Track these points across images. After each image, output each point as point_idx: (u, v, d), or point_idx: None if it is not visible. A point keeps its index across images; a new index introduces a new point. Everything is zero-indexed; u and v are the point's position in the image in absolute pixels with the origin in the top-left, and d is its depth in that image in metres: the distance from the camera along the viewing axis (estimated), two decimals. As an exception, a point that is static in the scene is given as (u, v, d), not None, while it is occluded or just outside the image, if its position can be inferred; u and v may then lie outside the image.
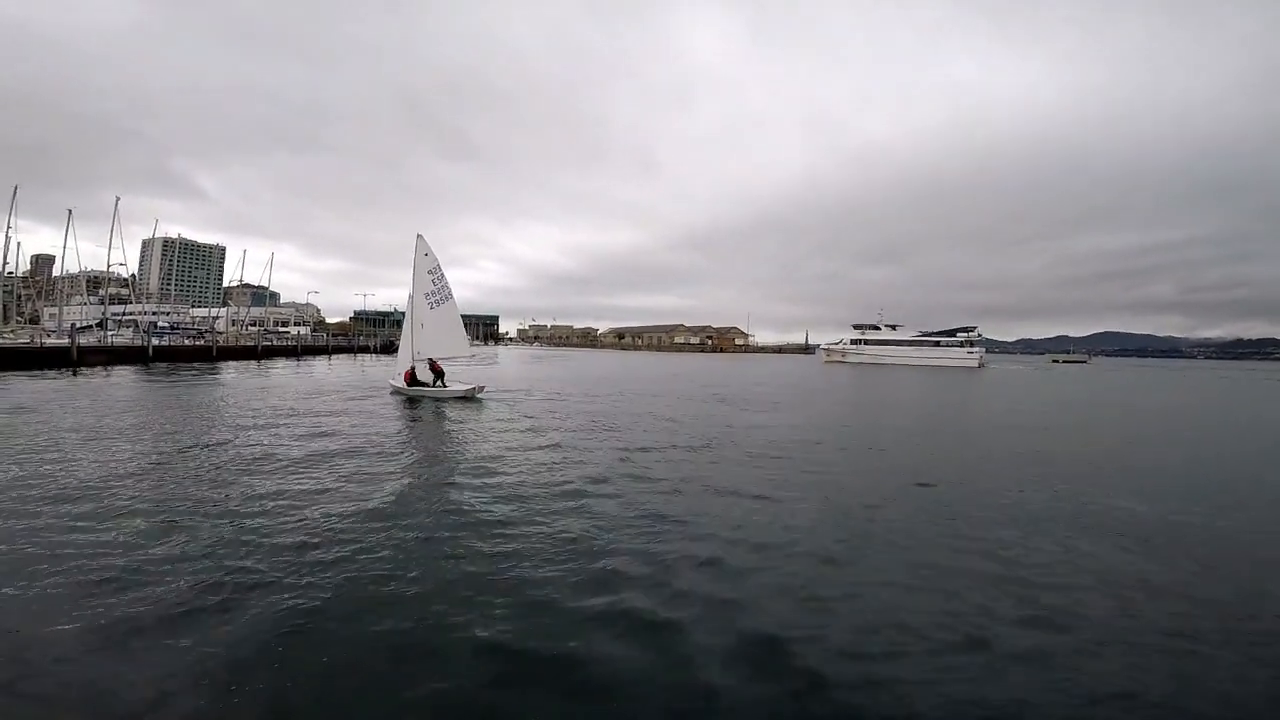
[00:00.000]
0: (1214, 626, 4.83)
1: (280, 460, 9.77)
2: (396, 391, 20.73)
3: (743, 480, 9.32)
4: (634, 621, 4.57)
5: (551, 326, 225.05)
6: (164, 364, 36.78)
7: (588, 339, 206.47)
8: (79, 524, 6.38)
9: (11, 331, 45.02)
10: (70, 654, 3.97)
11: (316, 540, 6.08)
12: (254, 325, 78.91)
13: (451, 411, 16.87)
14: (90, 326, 51.45)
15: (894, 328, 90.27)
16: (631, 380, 34.09)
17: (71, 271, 64.87)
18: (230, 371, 32.98)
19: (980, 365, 77.53)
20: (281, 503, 7.37)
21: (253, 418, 14.64)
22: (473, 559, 5.74)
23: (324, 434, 12.48)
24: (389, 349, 61.07)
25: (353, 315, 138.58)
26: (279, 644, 4.11)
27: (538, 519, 7.03)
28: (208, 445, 11.00)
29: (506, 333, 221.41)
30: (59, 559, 5.42)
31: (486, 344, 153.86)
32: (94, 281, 72.27)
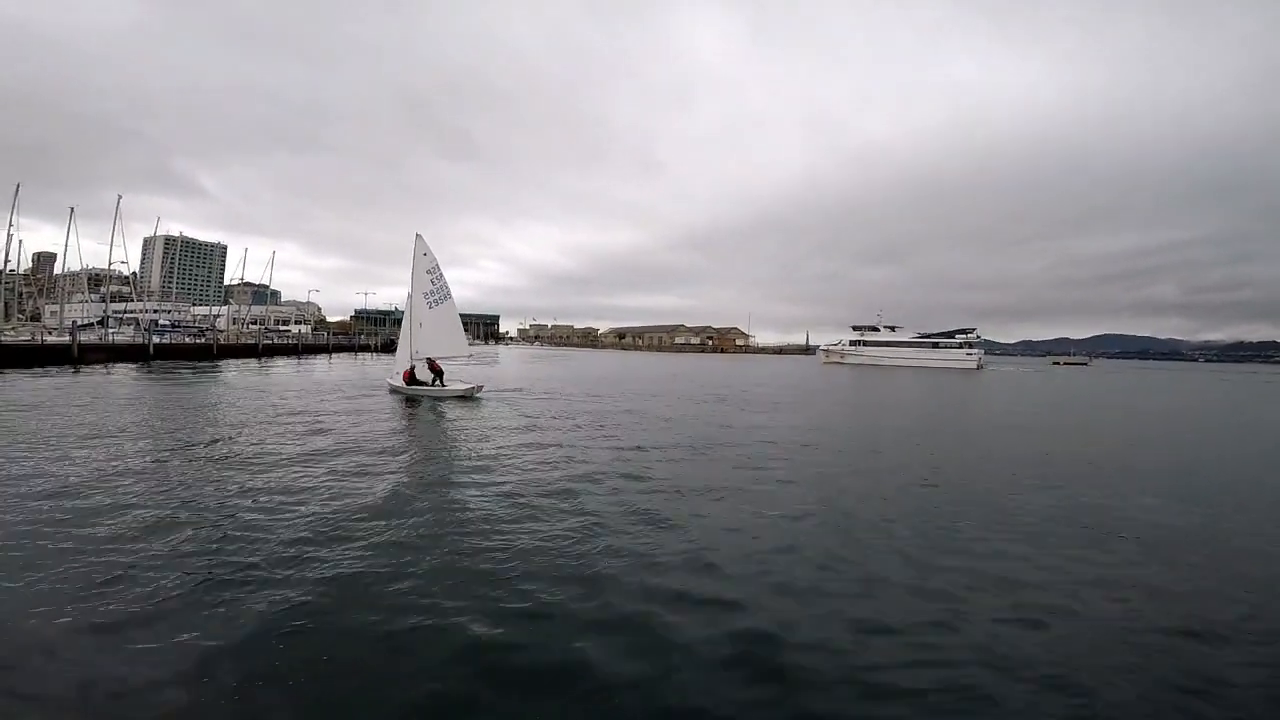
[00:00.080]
0: (1216, 627, 4.82)
1: (279, 458, 9.77)
2: (395, 390, 20.73)
3: (742, 482, 9.31)
4: (631, 623, 4.56)
5: (552, 326, 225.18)
6: (165, 362, 36.82)
7: (588, 339, 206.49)
8: (76, 520, 6.39)
9: (13, 329, 45.06)
10: (64, 650, 3.98)
11: (313, 538, 6.08)
12: (255, 324, 79.00)
13: (450, 411, 16.87)
14: (91, 324, 51.50)
15: (893, 329, 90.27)
16: (631, 380, 34.08)
17: (73, 269, 65.01)
18: (231, 370, 33.00)
19: (979, 367, 77.48)
20: (279, 500, 7.37)
21: (252, 416, 14.65)
22: (470, 558, 5.73)
23: (323, 432, 12.48)
24: (390, 348, 61.10)
25: (354, 314, 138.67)
26: (274, 641, 4.11)
27: (534, 518, 7.02)
28: (207, 443, 11.01)
29: (507, 332, 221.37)
30: (56, 554, 5.42)
31: (487, 343, 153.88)
32: (95, 279, 72.26)
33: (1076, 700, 3.78)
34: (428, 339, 20.85)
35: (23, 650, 3.97)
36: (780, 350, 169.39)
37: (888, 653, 4.26)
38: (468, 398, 19.55)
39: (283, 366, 38.65)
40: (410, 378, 20.38)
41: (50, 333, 42.98)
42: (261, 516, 6.76)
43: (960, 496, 8.81)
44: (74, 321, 49.00)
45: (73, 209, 50.56)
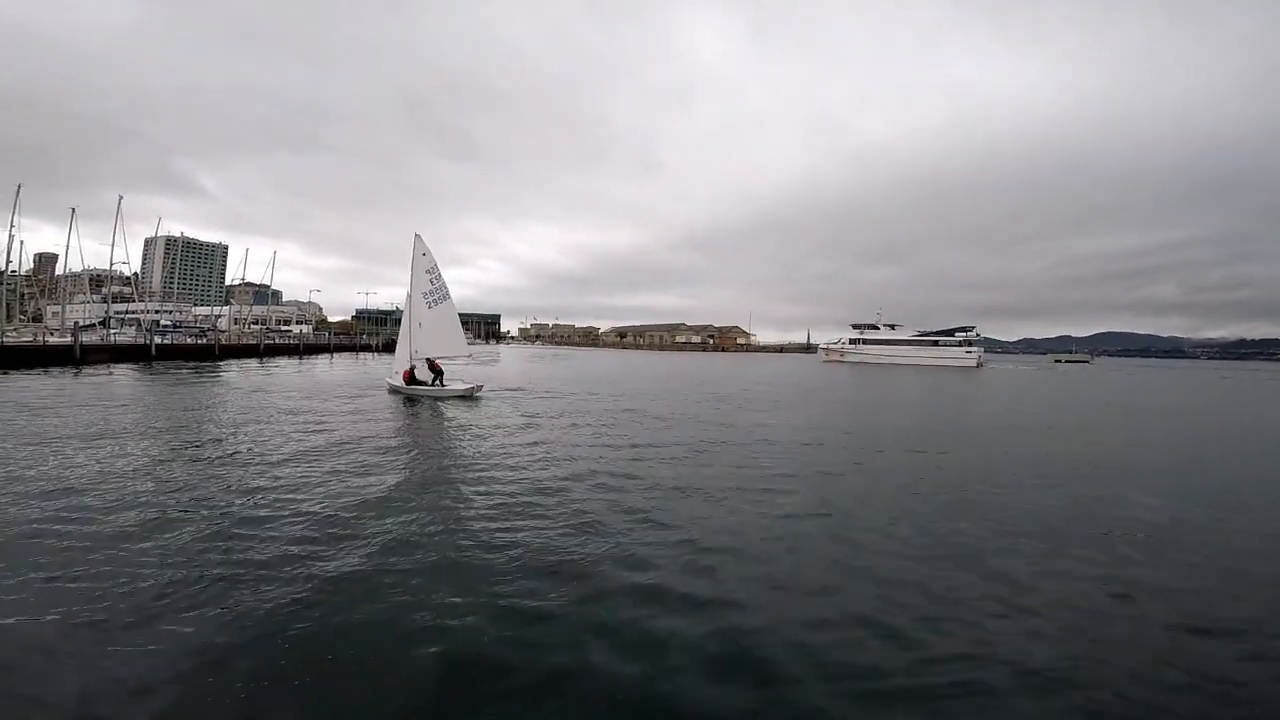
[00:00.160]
0: (1220, 625, 4.82)
1: (280, 457, 9.79)
2: (394, 390, 20.76)
3: (742, 481, 9.31)
4: (631, 625, 4.55)
5: (553, 326, 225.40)
6: (166, 363, 36.88)
7: (589, 338, 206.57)
8: (77, 519, 6.40)
9: (15, 330, 45.15)
10: (64, 649, 3.99)
11: (314, 537, 6.09)
12: (256, 324, 79.18)
13: (450, 410, 16.89)
14: (93, 325, 51.58)
15: (893, 327, 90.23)
16: (632, 379, 34.08)
17: (74, 270, 65.19)
18: (232, 370, 33.05)
19: (979, 365, 77.41)
20: (280, 499, 7.38)
21: (254, 416, 14.68)
22: (470, 558, 5.74)
23: (323, 431, 12.50)
24: (391, 348, 61.31)
25: (355, 314, 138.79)
26: (274, 641, 4.11)
27: (534, 518, 7.03)
28: (208, 442, 11.03)
29: (508, 332, 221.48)
30: (56, 554, 5.44)
31: (488, 343, 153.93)
32: (97, 280, 72.41)
33: (1079, 700, 3.78)
34: (427, 339, 20.87)
35: (23, 650, 3.98)
36: (781, 349, 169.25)
37: (890, 654, 4.25)
38: (468, 397, 19.56)
39: (284, 367, 38.69)
40: (410, 377, 20.40)
41: (52, 333, 43.11)
42: (262, 515, 6.77)
43: (961, 496, 8.80)
44: (76, 322, 49.08)
45: (74, 209, 50.58)
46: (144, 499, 7.33)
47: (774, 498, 8.33)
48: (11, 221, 46.33)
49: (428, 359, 20.69)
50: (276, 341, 62.15)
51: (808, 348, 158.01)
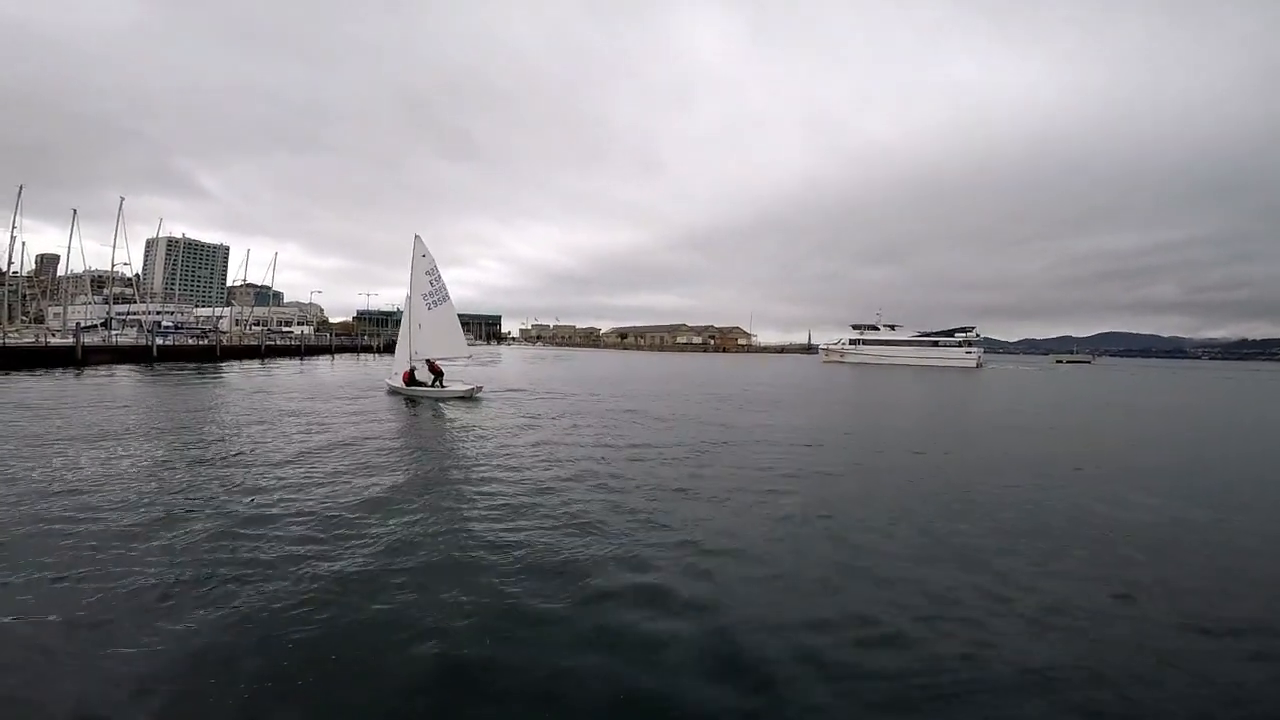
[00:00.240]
0: (1225, 625, 4.83)
1: (280, 458, 9.80)
2: (394, 391, 20.78)
3: (743, 483, 9.31)
4: (628, 629, 4.53)
5: (554, 326, 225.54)
6: (168, 364, 36.94)
7: (590, 339, 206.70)
8: (77, 520, 6.41)
9: (16, 331, 45.23)
10: (61, 648, 4.00)
11: (315, 537, 6.09)
12: (257, 325, 79.32)
13: (450, 411, 16.90)
14: (95, 326, 51.65)
15: (893, 328, 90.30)
16: (633, 380, 34.10)
17: (76, 271, 65.27)
18: (234, 371, 33.09)
19: (978, 365, 77.40)
20: (279, 499, 7.39)
21: (255, 417, 14.69)
22: (469, 561, 5.74)
23: (325, 432, 12.51)
24: (392, 349, 61.41)
25: (356, 315, 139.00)
26: (272, 640, 4.12)
27: (534, 519, 7.03)
28: (209, 443, 11.04)
29: (509, 332, 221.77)
30: (55, 553, 5.45)
31: (489, 343, 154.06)
32: (98, 281, 72.57)
33: (1079, 699, 3.78)
34: (427, 340, 20.90)
35: (24, 650, 3.99)
36: (782, 350, 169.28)
37: (891, 656, 4.24)
38: (468, 398, 19.58)
39: (285, 368, 38.73)
40: (410, 378, 20.42)
41: (54, 335, 43.18)
42: (264, 516, 6.77)
43: (962, 497, 8.79)
44: (77, 323, 49.11)
45: (75, 211, 50.79)
46: (146, 499, 7.34)
47: (775, 499, 8.32)
48: (13, 223, 46.58)
49: (428, 360, 20.72)
50: (278, 343, 62.24)
51: (809, 348, 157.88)
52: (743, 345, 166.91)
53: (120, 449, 10.35)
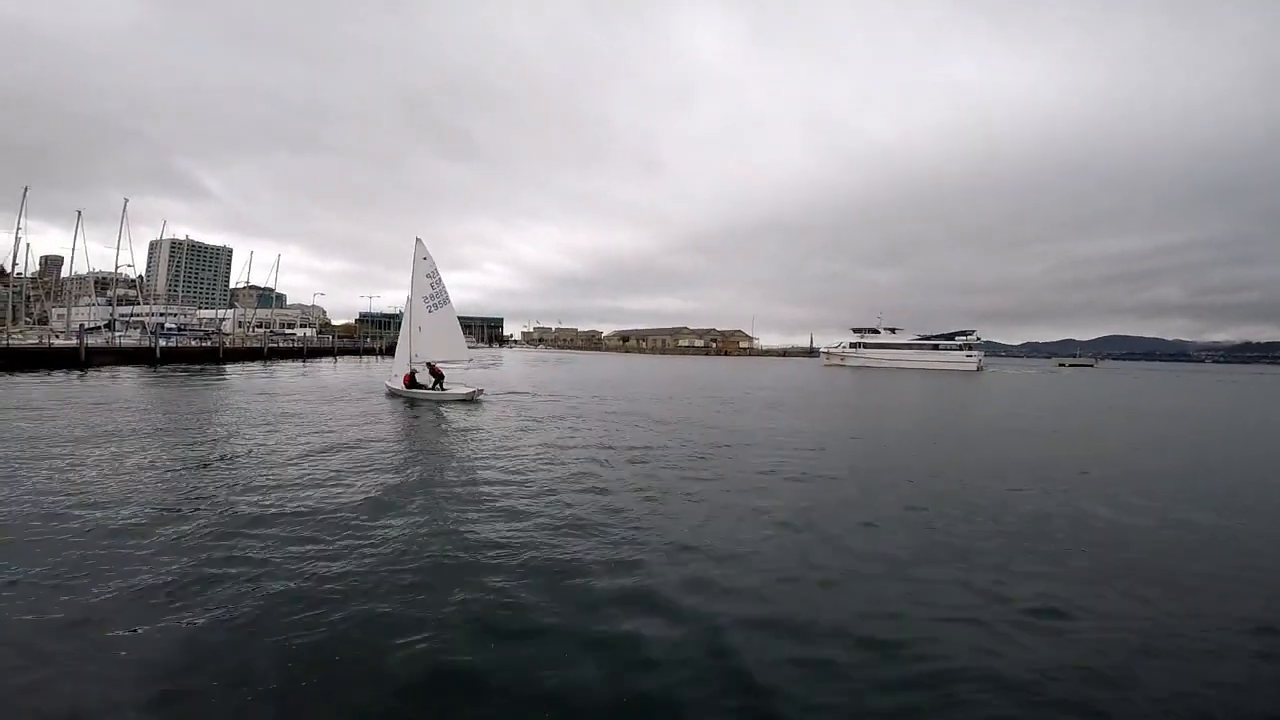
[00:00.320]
0: (1231, 625, 4.83)
1: (282, 459, 9.82)
2: (393, 394, 20.81)
3: (745, 487, 9.32)
4: (625, 638, 4.45)
5: (556, 329, 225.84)
6: (171, 365, 37.04)
7: (592, 342, 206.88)
8: (78, 518, 6.42)
9: (20, 332, 45.40)
10: (54, 645, 4.01)
11: (312, 540, 6.08)
12: (260, 327, 79.51)
13: (450, 414, 16.93)
14: (98, 327, 51.79)
15: (893, 331, 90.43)
16: (635, 383, 34.11)
17: (80, 272, 65.51)
18: (237, 373, 33.17)
19: (979, 369, 77.38)
20: (279, 500, 7.39)
21: (257, 418, 14.72)
22: (465, 563, 5.73)
23: (327, 434, 12.53)
24: (394, 351, 61.61)
25: (358, 317, 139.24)
26: (259, 642, 4.12)
27: (533, 523, 7.02)
28: (210, 444, 11.07)
29: (511, 335, 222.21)
30: (54, 553, 5.45)
31: (491, 346, 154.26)
32: (102, 283, 72.85)
33: (1086, 701, 3.77)
34: (427, 343, 20.94)
35: (22, 648, 4.00)
36: (785, 353, 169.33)
37: (895, 660, 4.22)
38: (469, 401, 19.60)
39: (288, 370, 38.84)
40: (411, 381, 20.44)
41: (57, 336, 43.37)
42: (262, 516, 6.78)
43: (964, 500, 8.76)
44: (81, 325, 49.27)
45: (80, 212, 51.10)
46: (148, 499, 7.35)
47: (776, 502, 8.31)
48: (17, 224, 46.78)
49: (428, 363, 20.76)
50: (280, 345, 62.40)
51: (810, 351, 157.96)
52: (744, 348, 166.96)
53: (123, 450, 10.37)
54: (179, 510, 7.02)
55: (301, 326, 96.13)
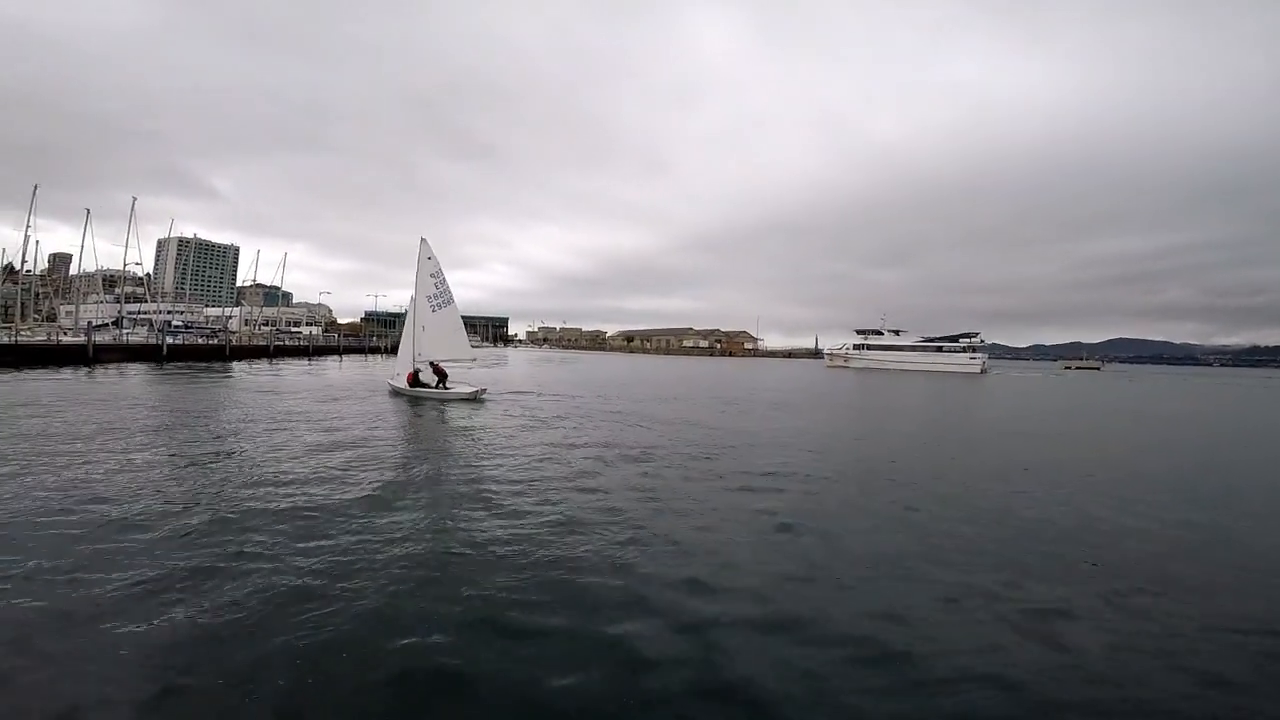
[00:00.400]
0: (1228, 631, 4.83)
1: (285, 456, 9.90)
2: (396, 392, 20.90)
3: (749, 488, 9.33)
4: (623, 642, 4.41)
5: (561, 329, 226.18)
6: (178, 363, 37.29)
7: (596, 342, 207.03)
8: (80, 511, 6.52)
9: (29, 329, 45.79)
10: (51, 639, 4.07)
11: (313, 538, 6.14)
12: (266, 325, 79.93)
13: (453, 412, 17.01)
14: (106, 325, 52.28)
15: (897, 333, 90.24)
16: (639, 384, 34.14)
17: (88, 270, 66.02)
18: (243, 371, 33.37)
19: (983, 371, 77.12)
20: (281, 497, 7.46)
21: (261, 415, 14.81)
22: (464, 563, 5.77)
23: (329, 432, 12.61)
24: (398, 350, 61.80)
25: (364, 316, 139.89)
26: (265, 637, 4.17)
27: (532, 525, 7.05)
28: (215, 440, 11.15)
29: (516, 335, 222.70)
30: (55, 547, 5.53)
31: (496, 346, 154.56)
32: (110, 280, 73.38)
33: (1088, 701, 3.80)
34: (431, 342, 21.04)
35: (21, 643, 4.06)
36: (789, 354, 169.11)
37: (896, 663, 4.21)
38: (473, 400, 19.69)
39: (294, 368, 39.03)
40: (414, 380, 20.55)
41: (66, 333, 43.72)
42: (266, 512, 6.84)
43: (966, 502, 8.77)
44: (89, 322, 49.70)
45: (88, 210, 51.58)
46: (152, 496, 7.42)
47: (779, 504, 8.32)
48: (27, 222, 47.15)
49: (431, 362, 20.85)
50: (286, 343, 62.77)
51: (815, 352, 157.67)
52: (749, 349, 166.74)
53: (130, 446, 10.47)
54: (184, 506, 7.08)
55: (307, 325, 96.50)
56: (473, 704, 3.63)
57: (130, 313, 57.98)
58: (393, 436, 12.71)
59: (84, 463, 9.06)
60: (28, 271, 57.49)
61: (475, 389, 20.37)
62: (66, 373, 26.60)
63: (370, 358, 63.69)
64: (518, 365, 54.55)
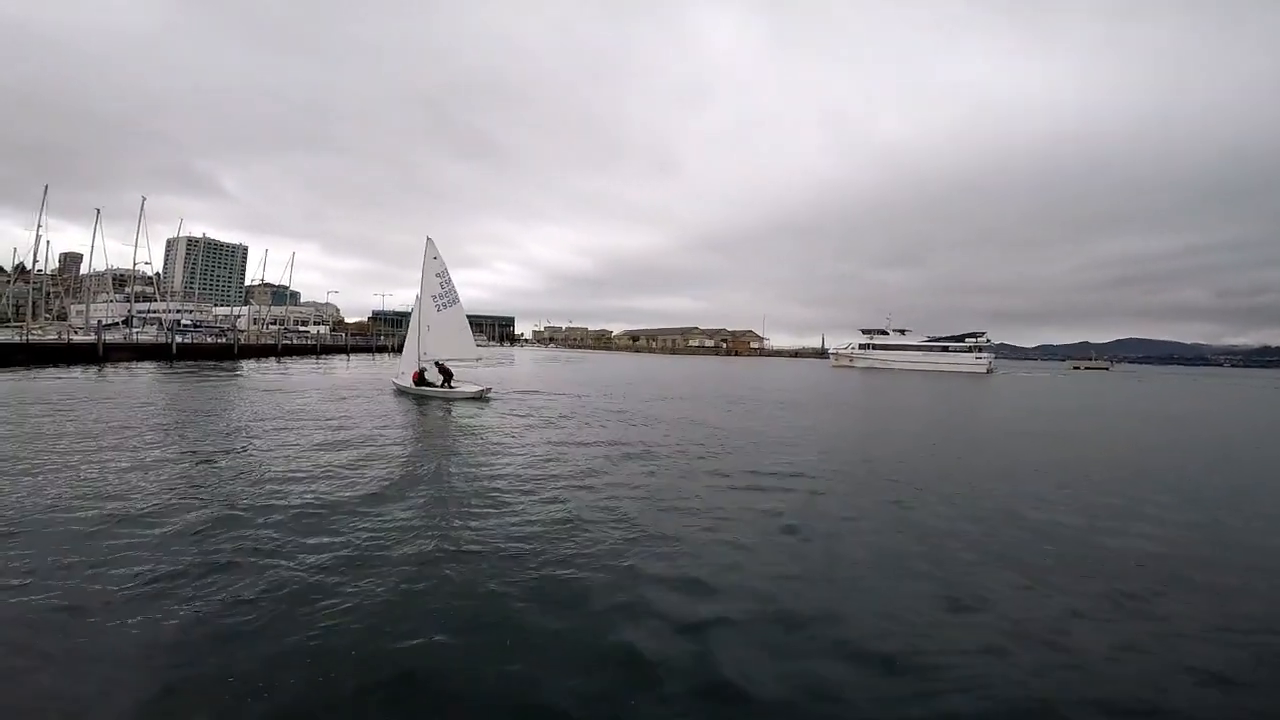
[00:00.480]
0: (1231, 632, 4.82)
1: (292, 454, 9.98)
2: (402, 391, 20.99)
3: (754, 488, 9.34)
4: (621, 642, 4.41)
5: (567, 328, 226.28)
6: (187, 361, 37.56)
7: (602, 341, 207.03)
8: (87, 508, 6.61)
9: (40, 328, 46.23)
10: (51, 636, 4.13)
11: (313, 536, 6.19)
12: (274, 324, 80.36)
13: (458, 411, 17.07)
14: (116, 324, 52.64)
15: (902, 333, 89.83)
16: (645, 383, 34.14)
17: (99, 269, 66.55)
18: (251, 369, 33.59)
19: (989, 371, 76.66)
20: (286, 494, 7.53)
21: (269, 414, 14.92)
22: (463, 564, 5.80)
23: (336, 430, 12.69)
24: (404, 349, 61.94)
25: (371, 315, 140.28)
26: (265, 636, 4.22)
27: (532, 525, 7.06)
28: (223, 438, 11.24)
29: (522, 334, 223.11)
30: (65, 541, 5.61)
31: (502, 345, 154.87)
32: (120, 280, 73.97)
33: (1090, 701, 3.80)
34: (436, 341, 21.10)
35: (28, 640, 4.12)
36: (796, 354, 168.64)
37: (901, 670, 4.20)
38: (478, 399, 19.74)
39: (301, 366, 39.25)
40: (420, 379, 20.62)
41: (76, 332, 44.10)
42: (270, 508, 6.92)
43: (969, 503, 8.75)
44: (99, 321, 50.08)
45: (98, 211, 51.94)
46: (160, 493, 7.50)
47: (784, 505, 8.32)
48: (38, 222, 47.58)
49: (436, 361, 20.93)
50: (294, 342, 63.07)
51: (822, 352, 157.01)
52: (755, 349, 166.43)
53: (138, 444, 10.57)
54: (194, 504, 7.15)
55: (315, 324, 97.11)
56: (478, 703, 3.65)
57: (140, 312, 58.50)
58: (399, 435, 12.77)
59: (95, 460, 9.16)
60: (39, 271, 58.05)
61: (481, 388, 20.42)
62: (77, 371, 26.86)
63: (378, 356, 63.96)
64: (524, 364, 54.65)
